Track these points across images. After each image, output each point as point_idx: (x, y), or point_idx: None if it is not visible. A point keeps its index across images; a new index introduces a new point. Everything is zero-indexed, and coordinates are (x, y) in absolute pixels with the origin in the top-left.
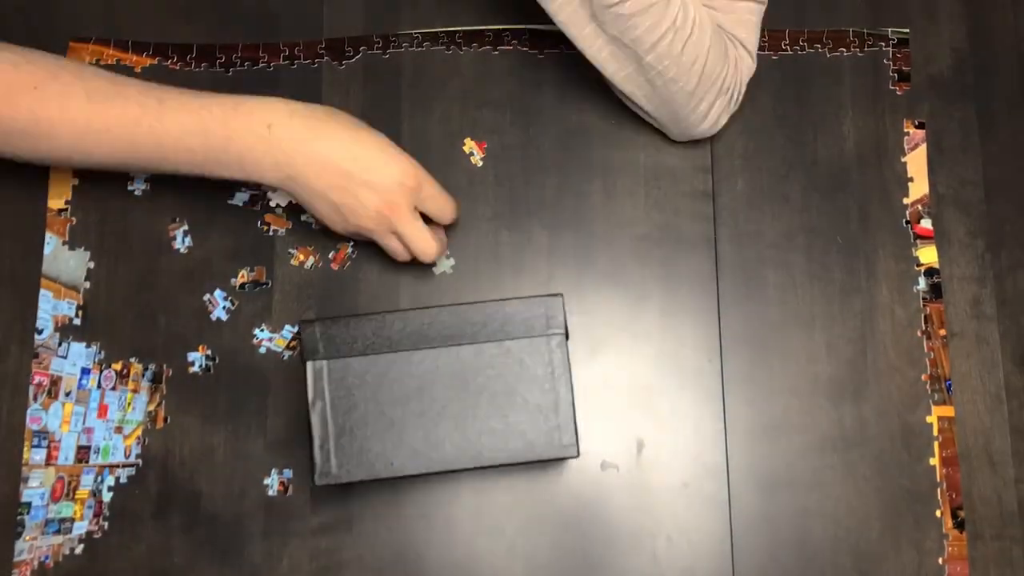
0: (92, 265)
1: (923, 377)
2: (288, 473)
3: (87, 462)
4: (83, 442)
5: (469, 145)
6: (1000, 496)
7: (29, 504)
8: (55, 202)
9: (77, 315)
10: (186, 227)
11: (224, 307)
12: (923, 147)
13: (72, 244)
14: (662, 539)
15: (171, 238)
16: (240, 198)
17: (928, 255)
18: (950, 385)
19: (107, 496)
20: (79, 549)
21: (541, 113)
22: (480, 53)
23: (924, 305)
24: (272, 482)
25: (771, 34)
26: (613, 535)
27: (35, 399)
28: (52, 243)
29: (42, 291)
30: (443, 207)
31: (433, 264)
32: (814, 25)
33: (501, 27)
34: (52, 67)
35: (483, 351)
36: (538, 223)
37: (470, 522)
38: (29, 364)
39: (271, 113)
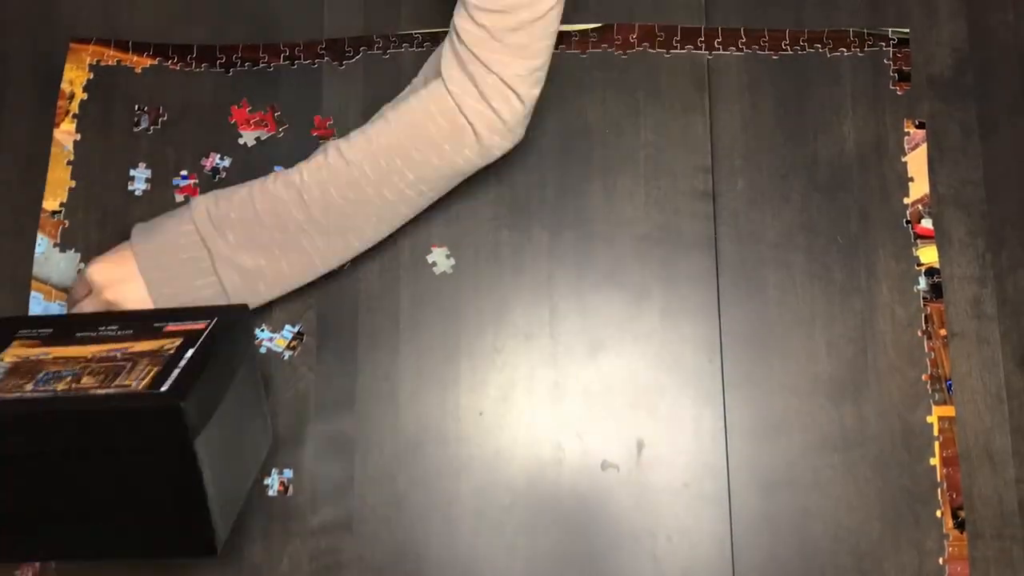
0: (83, 267)
1: (923, 377)
2: (288, 473)
3: None
4: None
5: None
6: (1001, 496)
7: None
8: (50, 203)
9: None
10: None
11: None
12: (923, 147)
13: (63, 246)
14: (662, 539)
15: None
16: None
17: (928, 255)
18: (950, 385)
19: None
20: None
21: (541, 113)
22: None
23: (924, 305)
24: (272, 482)
25: (771, 34)
26: (613, 535)
27: None
28: (43, 244)
29: (33, 293)
30: None
31: None
32: (814, 25)
33: None
34: None
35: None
36: (538, 223)
37: (470, 522)
38: None
39: None
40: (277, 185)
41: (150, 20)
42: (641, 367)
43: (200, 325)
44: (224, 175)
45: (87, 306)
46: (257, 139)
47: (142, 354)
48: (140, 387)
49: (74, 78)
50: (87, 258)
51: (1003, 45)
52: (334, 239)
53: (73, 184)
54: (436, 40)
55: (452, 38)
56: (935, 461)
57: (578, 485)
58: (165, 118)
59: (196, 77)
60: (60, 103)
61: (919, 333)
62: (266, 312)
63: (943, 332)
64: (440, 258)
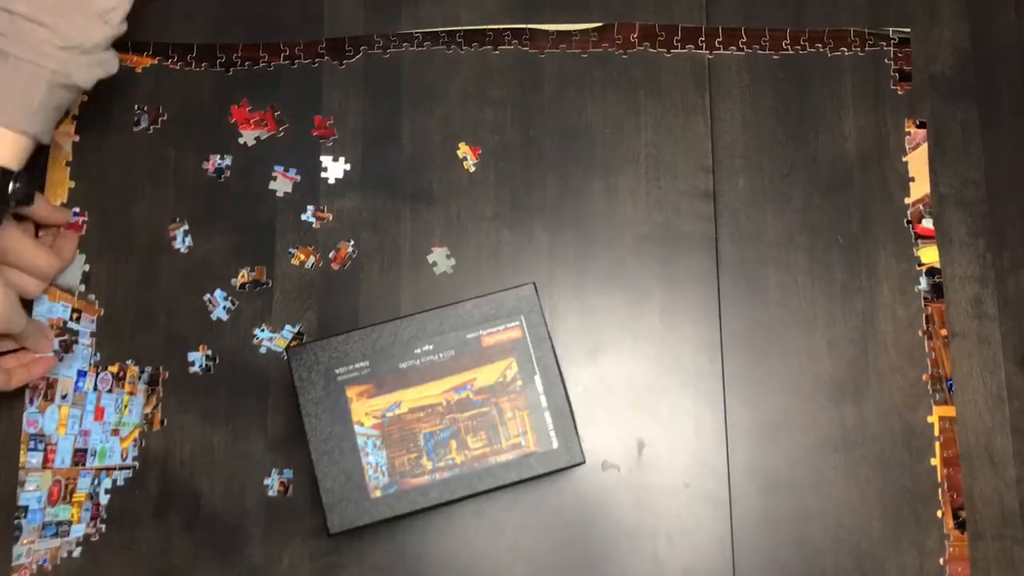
0: (87, 268)
1: (924, 377)
2: (288, 473)
3: (84, 465)
4: (80, 445)
5: (463, 150)
6: (1001, 496)
7: (26, 508)
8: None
9: (72, 318)
10: (186, 227)
11: (224, 307)
12: (924, 147)
13: None
14: (663, 539)
15: (171, 238)
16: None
17: (929, 255)
18: (951, 385)
19: (104, 499)
20: (77, 552)
21: (541, 113)
22: (480, 53)
23: (925, 305)
24: (272, 482)
25: (772, 34)
26: (614, 535)
27: (31, 402)
28: None
29: None
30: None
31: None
32: (815, 25)
33: (501, 27)
34: None
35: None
36: (538, 223)
37: (470, 522)
38: None
39: None
40: None
41: (150, 20)
42: (641, 367)
43: (514, 330)
44: (228, 175)
45: None
46: (257, 139)
47: (494, 391)
48: (533, 447)
49: None
50: (88, 258)
51: (1004, 45)
52: None
53: (73, 184)
54: (436, 40)
55: None
56: (936, 461)
57: (579, 485)
58: (165, 118)
59: (196, 77)
60: None
61: (920, 333)
62: (266, 312)
63: (944, 332)
64: (440, 258)
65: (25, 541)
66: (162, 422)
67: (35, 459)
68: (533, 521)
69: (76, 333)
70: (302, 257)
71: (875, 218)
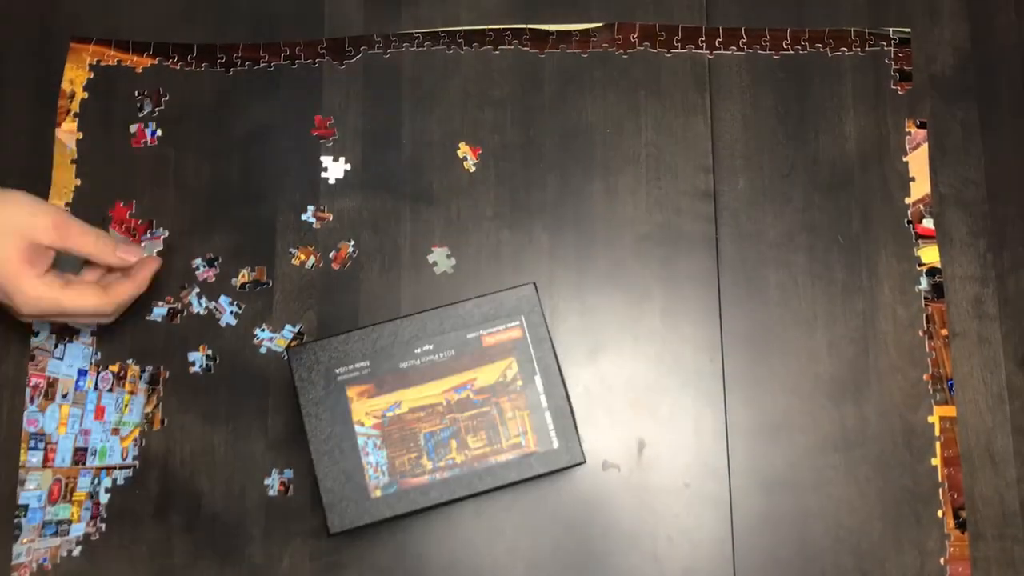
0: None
1: (925, 377)
2: (288, 473)
3: (84, 464)
4: (80, 444)
5: (463, 150)
6: (1002, 496)
7: (26, 507)
8: (55, 203)
9: None
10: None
11: (231, 311)
12: (925, 147)
13: None
14: (663, 539)
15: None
16: (158, 313)
17: (930, 255)
18: (952, 385)
19: (104, 498)
20: (77, 551)
21: (541, 113)
22: (480, 53)
23: (926, 305)
24: (272, 482)
25: (772, 34)
26: (614, 535)
27: (32, 401)
28: None
29: None
30: (96, 245)
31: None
32: (815, 25)
33: (501, 27)
34: None
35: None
36: (538, 223)
37: (470, 522)
38: (26, 366)
39: None
40: None
41: (150, 20)
42: (642, 367)
43: (514, 330)
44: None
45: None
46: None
47: (494, 391)
48: (533, 447)
49: (75, 78)
50: None
51: (1005, 45)
52: None
53: (79, 183)
54: (436, 40)
55: None
56: (936, 461)
57: (579, 485)
58: (165, 118)
59: (196, 77)
60: (61, 102)
61: (920, 333)
62: (266, 312)
63: (944, 332)
64: (441, 258)
65: (25, 540)
66: (162, 422)
67: (35, 458)
68: (533, 521)
69: (77, 332)
70: (302, 257)
71: (875, 218)
